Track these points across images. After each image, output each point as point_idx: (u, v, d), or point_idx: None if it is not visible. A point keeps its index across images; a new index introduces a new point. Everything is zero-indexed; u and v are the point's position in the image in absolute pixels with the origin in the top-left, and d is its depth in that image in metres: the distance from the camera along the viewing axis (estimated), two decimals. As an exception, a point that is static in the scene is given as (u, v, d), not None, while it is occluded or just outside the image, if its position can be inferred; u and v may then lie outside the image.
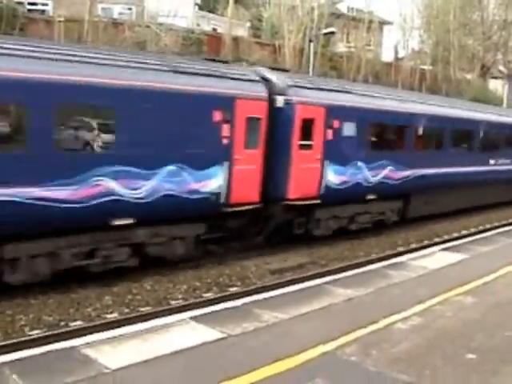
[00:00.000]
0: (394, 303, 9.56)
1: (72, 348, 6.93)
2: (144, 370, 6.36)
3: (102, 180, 11.73)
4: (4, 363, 6.55)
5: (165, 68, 13.14)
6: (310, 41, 35.33)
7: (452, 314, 9.19)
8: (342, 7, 51.95)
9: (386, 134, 20.15)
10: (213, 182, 13.95)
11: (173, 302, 12.11)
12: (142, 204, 12.46)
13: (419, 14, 53.27)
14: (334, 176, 17.08)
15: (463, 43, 51.60)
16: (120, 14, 34.18)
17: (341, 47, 46.70)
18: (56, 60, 11.22)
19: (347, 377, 6.46)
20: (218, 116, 13.85)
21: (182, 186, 13.25)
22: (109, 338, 7.25)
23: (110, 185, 11.85)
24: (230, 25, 36.65)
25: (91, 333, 7.86)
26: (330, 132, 16.73)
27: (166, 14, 32.50)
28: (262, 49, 37.80)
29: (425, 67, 48.67)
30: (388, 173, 19.17)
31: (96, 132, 12.31)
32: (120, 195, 12.02)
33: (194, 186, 13.51)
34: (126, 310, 11.55)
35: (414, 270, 12.56)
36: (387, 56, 53.10)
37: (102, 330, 7.97)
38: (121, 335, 7.45)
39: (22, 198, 10.53)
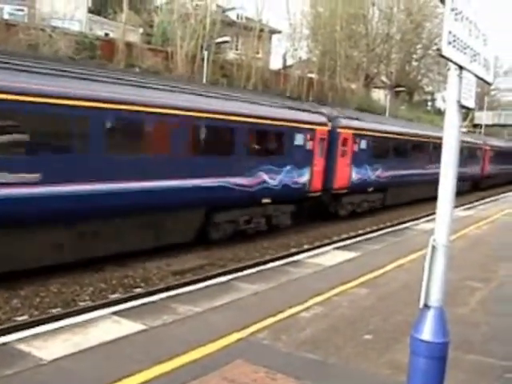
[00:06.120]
0: (297, 295, 10.27)
1: (4, 344, 7.14)
2: (79, 360, 6.69)
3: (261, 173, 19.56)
4: None
5: (279, 105, 21.59)
6: (202, 48, 35.96)
7: (349, 303, 10.04)
8: (232, 15, 52.57)
9: (380, 147, 28.48)
10: (304, 177, 21.87)
11: (81, 303, 12.41)
12: (275, 189, 20.23)
13: (308, 25, 55.21)
14: (355, 175, 25.79)
15: (349, 54, 53.92)
16: (11, 14, 33.18)
17: (230, 55, 47.34)
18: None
19: (262, 357, 7.13)
20: (308, 136, 22.03)
21: (292, 179, 21.05)
22: (38, 334, 7.53)
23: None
24: (124, 30, 36.53)
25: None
26: (354, 146, 25.48)
27: (59, 16, 32.01)
28: (154, 55, 37.77)
29: (312, 75, 50.39)
30: (379, 173, 28.05)
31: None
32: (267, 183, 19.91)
33: (297, 179, 21.40)
34: (36, 313, 11.72)
35: (311, 267, 13.34)
36: (275, 64, 54.51)
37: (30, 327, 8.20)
38: (46, 331, 7.74)
39: (230, 184, 18.01)
